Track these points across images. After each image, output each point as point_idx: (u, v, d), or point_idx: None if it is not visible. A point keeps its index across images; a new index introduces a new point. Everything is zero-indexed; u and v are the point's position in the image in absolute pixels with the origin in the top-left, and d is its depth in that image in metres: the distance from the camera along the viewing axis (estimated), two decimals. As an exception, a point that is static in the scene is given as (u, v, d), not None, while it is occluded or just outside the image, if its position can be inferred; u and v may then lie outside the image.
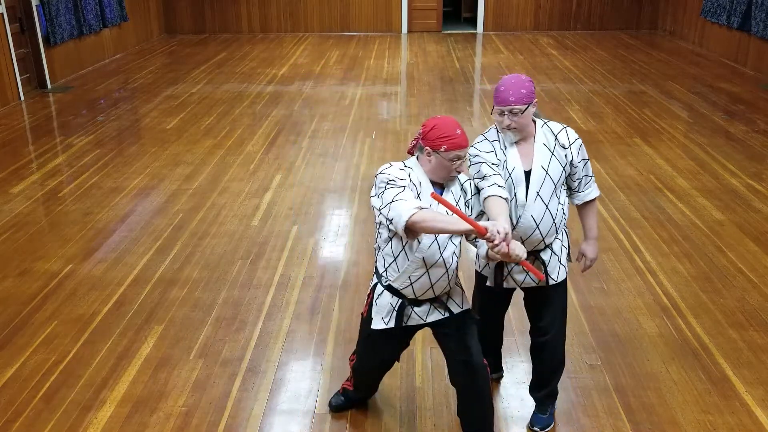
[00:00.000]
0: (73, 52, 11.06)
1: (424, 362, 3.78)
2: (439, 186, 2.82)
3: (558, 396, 3.38)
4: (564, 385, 3.49)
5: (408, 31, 15.11)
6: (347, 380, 3.42)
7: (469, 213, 2.87)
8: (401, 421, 3.36)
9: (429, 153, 2.74)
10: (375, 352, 3.10)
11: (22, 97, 9.52)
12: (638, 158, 6.94)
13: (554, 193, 2.98)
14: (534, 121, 3.00)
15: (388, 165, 2.79)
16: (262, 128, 8.12)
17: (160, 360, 3.83)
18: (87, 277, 4.73)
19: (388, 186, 2.68)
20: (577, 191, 3.10)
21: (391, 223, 2.64)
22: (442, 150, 2.71)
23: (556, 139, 2.99)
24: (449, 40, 14.22)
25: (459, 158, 2.73)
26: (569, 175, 3.04)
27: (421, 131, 2.78)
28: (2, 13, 9.06)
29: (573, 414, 3.39)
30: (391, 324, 2.89)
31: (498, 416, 3.39)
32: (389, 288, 2.88)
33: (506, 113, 2.88)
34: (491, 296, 3.27)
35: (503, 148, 2.98)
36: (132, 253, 5.07)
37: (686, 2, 13.30)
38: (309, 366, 3.77)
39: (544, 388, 3.32)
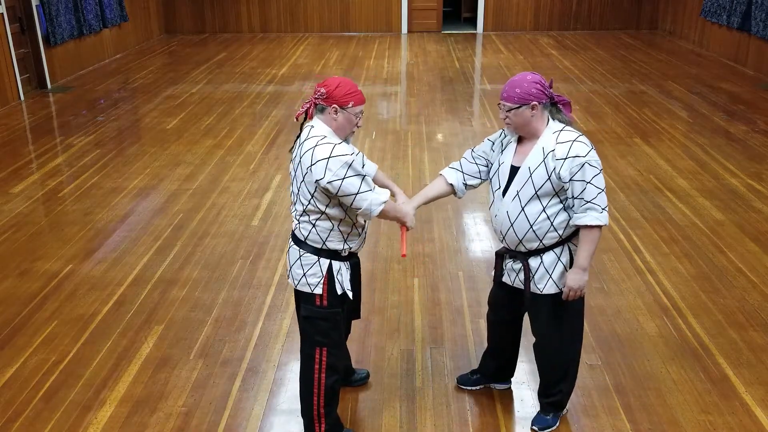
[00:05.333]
0: (73, 52, 11.05)
1: (424, 362, 3.79)
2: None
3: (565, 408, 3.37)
4: (564, 385, 3.49)
5: (408, 31, 15.11)
6: None
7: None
8: (401, 421, 3.36)
9: (336, 111, 2.82)
10: None
11: (22, 97, 9.52)
12: (638, 158, 6.94)
13: (536, 199, 2.91)
14: (552, 123, 2.94)
15: (327, 145, 2.76)
16: (262, 128, 8.12)
17: (160, 360, 3.83)
18: (87, 277, 4.73)
19: (349, 172, 2.74)
20: (574, 212, 2.92)
21: (357, 210, 2.82)
22: (349, 106, 2.82)
23: (554, 147, 2.88)
24: (449, 40, 14.22)
25: (362, 113, 2.89)
26: (562, 189, 2.89)
27: (323, 92, 2.82)
28: (2, 13, 9.06)
29: (573, 414, 3.39)
30: None
31: (498, 416, 3.39)
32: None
33: (500, 106, 2.96)
34: (495, 293, 3.33)
35: (503, 142, 3.09)
36: (132, 253, 5.07)
37: (686, 2, 13.30)
38: (309, 366, 3.77)
39: (543, 395, 3.34)
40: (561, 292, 3.03)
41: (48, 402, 3.51)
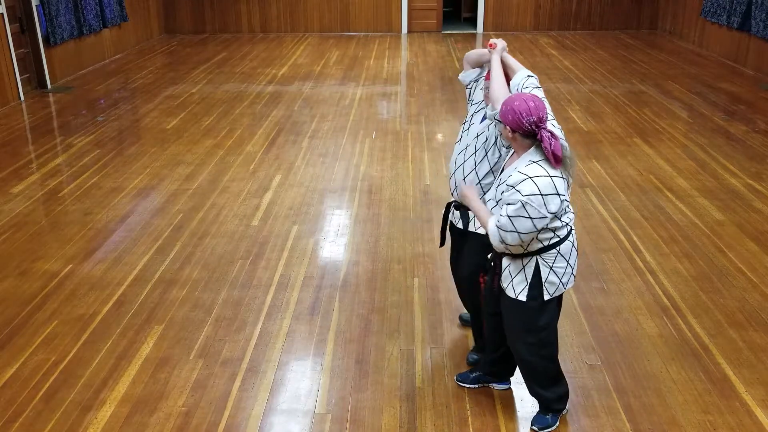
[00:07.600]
0: (73, 52, 11.06)
1: (424, 362, 3.79)
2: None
3: (562, 410, 3.36)
4: (564, 385, 3.49)
5: (408, 31, 15.11)
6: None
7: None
8: (401, 421, 3.36)
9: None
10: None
11: (22, 97, 9.52)
12: (638, 158, 6.94)
13: (498, 205, 3.02)
14: (533, 151, 2.93)
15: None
16: (262, 128, 8.12)
17: (160, 360, 3.83)
18: (87, 277, 4.73)
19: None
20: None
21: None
22: None
23: (512, 173, 2.91)
24: (449, 40, 14.22)
25: None
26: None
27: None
28: (2, 13, 9.06)
29: (573, 414, 3.39)
30: None
31: (498, 416, 3.39)
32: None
33: None
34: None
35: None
36: (132, 253, 5.07)
37: (686, 2, 13.30)
38: (309, 366, 3.77)
39: (531, 394, 3.35)
40: (518, 300, 3.06)
41: (48, 402, 3.51)
